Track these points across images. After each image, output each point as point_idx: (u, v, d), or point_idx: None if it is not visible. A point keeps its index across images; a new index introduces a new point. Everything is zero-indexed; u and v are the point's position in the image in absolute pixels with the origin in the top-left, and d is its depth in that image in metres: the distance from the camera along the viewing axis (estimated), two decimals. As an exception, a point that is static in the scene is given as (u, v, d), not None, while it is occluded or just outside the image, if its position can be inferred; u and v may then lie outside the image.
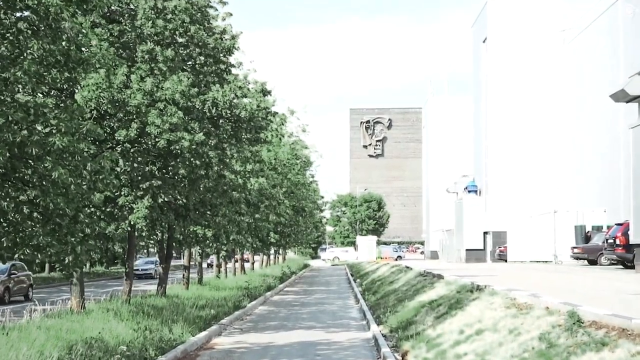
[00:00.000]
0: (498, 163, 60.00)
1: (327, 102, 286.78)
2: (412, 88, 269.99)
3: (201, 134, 17.97)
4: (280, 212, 35.25)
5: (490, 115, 60.72)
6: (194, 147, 17.63)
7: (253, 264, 54.83)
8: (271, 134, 29.22)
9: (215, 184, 18.88)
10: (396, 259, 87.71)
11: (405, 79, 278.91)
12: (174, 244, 24.76)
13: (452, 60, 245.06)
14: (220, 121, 19.35)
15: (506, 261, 52.84)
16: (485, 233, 61.12)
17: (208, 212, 21.67)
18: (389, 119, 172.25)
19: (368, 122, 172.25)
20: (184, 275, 30.58)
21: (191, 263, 35.83)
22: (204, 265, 59.23)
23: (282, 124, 30.62)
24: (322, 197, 74.72)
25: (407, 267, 36.69)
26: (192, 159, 18.07)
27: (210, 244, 25.40)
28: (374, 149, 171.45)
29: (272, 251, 66.55)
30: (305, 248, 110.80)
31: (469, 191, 63.27)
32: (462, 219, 62.37)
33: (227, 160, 19.48)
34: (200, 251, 32.62)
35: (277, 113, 20.94)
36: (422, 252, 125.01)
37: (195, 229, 23.43)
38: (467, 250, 61.42)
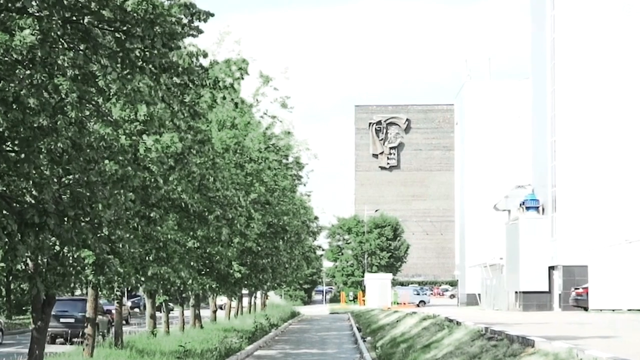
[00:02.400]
0: (571, 167, 55.91)
1: (331, 103, 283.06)
2: (435, 87, 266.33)
3: (29, 32, 10.44)
4: (244, 229, 27.52)
5: (559, 102, 56.68)
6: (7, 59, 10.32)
7: (215, 312, 48.98)
8: (216, 91, 21.63)
9: (72, 145, 11.38)
10: (418, 305, 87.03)
11: (426, 75, 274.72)
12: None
13: (491, 41, 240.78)
14: (86, 19, 11.85)
15: (586, 309, 48.84)
16: (551, 268, 57.21)
17: (83, 216, 14.46)
18: (407, 120, 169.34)
19: (379, 123, 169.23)
20: (85, 334, 25.11)
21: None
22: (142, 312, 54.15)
23: (240, 76, 23.02)
24: (317, 219, 67.80)
25: (450, 321, 28.99)
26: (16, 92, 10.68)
27: (94, 277, 17.59)
28: (387, 158, 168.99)
29: (244, 293, 60.58)
30: (294, 290, 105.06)
31: (528, 208, 59.33)
32: (517, 248, 58.69)
33: (98, 99, 11.83)
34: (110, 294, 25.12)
35: (206, 14, 13.41)
36: (452, 296, 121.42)
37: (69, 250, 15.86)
38: (523, 293, 57.84)
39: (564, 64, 55.92)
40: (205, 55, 19.94)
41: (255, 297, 72.55)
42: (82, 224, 14.89)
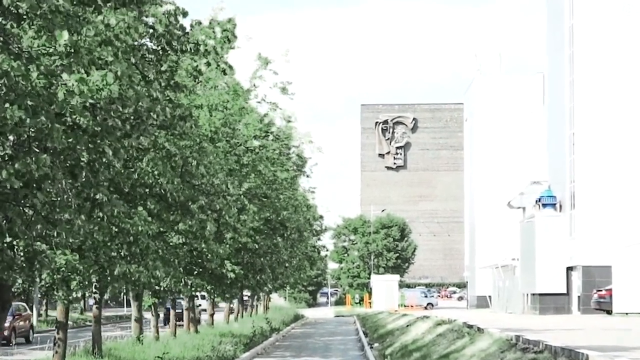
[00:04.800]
0: (590, 161, 53.06)
1: (336, 103, 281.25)
2: (441, 87, 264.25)
3: None
4: (234, 222, 24.03)
5: (578, 92, 53.76)
6: None
7: (212, 315, 46.70)
8: (198, 57, 18.26)
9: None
10: (426, 307, 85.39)
11: (433, 74, 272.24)
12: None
13: (499, 40, 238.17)
14: None
15: (609, 312, 45.71)
16: (569, 269, 54.29)
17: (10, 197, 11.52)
18: (414, 119, 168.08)
19: (385, 122, 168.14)
20: (55, 340, 22.23)
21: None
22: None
23: (227, 39, 19.57)
24: (322, 218, 64.84)
25: (469, 326, 25.45)
26: None
27: (22, 274, 13.89)
28: (394, 158, 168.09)
29: (245, 295, 57.79)
30: (298, 292, 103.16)
31: (544, 205, 56.46)
32: (532, 247, 55.84)
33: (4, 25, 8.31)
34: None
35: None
36: (460, 298, 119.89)
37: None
38: (540, 295, 54.82)
39: (584, 52, 52.90)
40: (185, 15, 16.91)
41: (258, 300, 70.01)
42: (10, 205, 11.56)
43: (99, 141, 11.64)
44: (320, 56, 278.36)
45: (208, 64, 20.44)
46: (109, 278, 18.00)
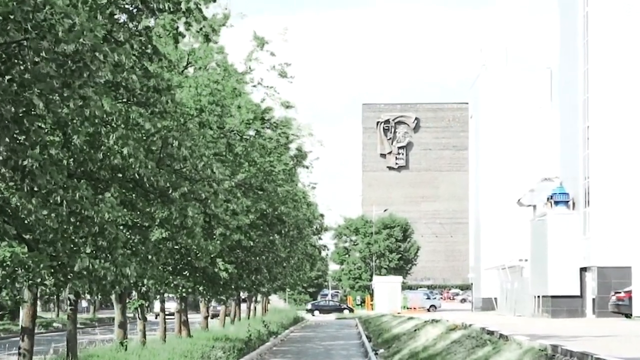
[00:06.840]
0: (606, 156, 50.59)
1: (338, 104, 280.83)
2: (443, 87, 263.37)
3: None
4: (221, 213, 21.31)
5: (593, 83, 51.25)
6: None
7: (207, 318, 44.55)
8: (177, 17, 15.66)
9: None
10: (428, 309, 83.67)
11: (435, 75, 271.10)
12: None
13: (501, 40, 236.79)
14: None
15: (628, 316, 43.09)
16: (583, 270, 51.87)
17: None
18: (416, 118, 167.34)
19: (387, 122, 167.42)
20: (20, 349, 19.75)
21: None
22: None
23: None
24: (322, 216, 62.51)
25: (490, 333, 22.53)
26: None
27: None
28: (396, 158, 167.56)
29: (241, 296, 55.64)
30: (298, 294, 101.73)
31: (556, 202, 53.99)
32: (544, 247, 53.47)
33: None
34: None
35: None
36: (463, 300, 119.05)
37: None
38: (552, 297, 52.34)
39: (599, 41, 50.25)
40: (160, -33, 14.17)
41: (256, 302, 67.82)
42: None
43: (27, 91, 8.79)
44: (321, 56, 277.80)
45: (188, 25, 17.71)
46: (69, 275, 15.26)
